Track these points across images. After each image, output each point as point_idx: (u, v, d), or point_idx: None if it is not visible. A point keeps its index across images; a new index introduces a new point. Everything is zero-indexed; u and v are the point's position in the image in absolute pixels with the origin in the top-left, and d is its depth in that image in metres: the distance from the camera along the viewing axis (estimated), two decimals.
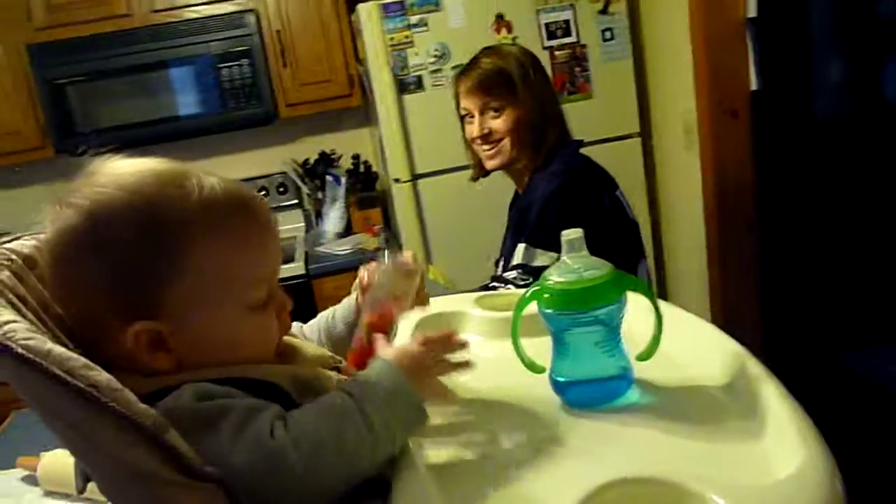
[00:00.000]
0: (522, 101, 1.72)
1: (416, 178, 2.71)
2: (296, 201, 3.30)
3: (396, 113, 2.64)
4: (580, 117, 2.72)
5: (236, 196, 0.71)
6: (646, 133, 2.83)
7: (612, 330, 0.78)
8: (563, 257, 0.79)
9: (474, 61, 1.78)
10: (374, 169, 3.21)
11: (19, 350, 0.57)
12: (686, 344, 0.83)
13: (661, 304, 0.82)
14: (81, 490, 0.70)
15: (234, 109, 2.93)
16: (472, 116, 1.77)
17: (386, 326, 0.87)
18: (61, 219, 0.69)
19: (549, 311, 0.78)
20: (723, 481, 0.58)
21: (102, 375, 0.59)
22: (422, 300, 0.95)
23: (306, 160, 3.23)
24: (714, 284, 2.61)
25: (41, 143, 2.84)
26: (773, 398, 0.69)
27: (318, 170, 3.20)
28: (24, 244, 0.76)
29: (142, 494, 0.59)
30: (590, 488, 0.57)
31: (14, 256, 0.74)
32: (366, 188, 3.13)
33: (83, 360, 0.59)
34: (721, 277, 2.58)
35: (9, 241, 0.76)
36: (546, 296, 0.77)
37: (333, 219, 3.13)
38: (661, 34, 2.70)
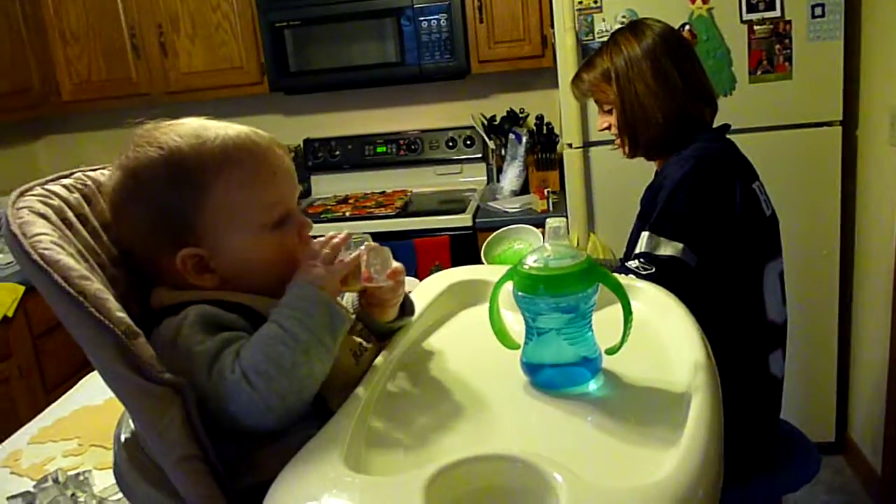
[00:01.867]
0: (616, 101, 1.73)
1: (587, 145, 2.70)
2: (480, 155, 3.41)
3: None
4: (774, 98, 2.57)
5: (244, 140, 0.86)
6: (849, 122, 2.59)
7: (577, 319, 0.80)
8: (545, 243, 0.82)
9: (589, 61, 1.82)
10: (557, 132, 3.22)
11: (35, 256, 0.72)
12: (664, 346, 0.83)
13: (670, 301, 0.82)
14: None
15: (429, 62, 3.07)
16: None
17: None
18: (113, 178, 0.88)
19: (519, 293, 0.81)
20: (583, 476, 0.60)
21: (94, 286, 0.73)
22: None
23: (493, 116, 3.31)
24: None
25: (259, 80, 3.18)
26: (698, 411, 0.68)
27: (503, 127, 3.28)
28: (103, 173, 0.93)
29: (116, 389, 0.73)
30: (448, 462, 0.62)
31: (89, 182, 0.90)
32: (546, 150, 3.16)
33: (84, 271, 0.74)
34: None
35: (91, 170, 0.93)
36: (517, 278, 0.81)
37: (511, 176, 3.20)
38: (881, 14, 2.43)
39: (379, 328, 0.94)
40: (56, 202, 0.83)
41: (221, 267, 0.85)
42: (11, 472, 1.38)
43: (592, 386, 0.81)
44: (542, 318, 0.81)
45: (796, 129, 2.58)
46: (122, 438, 0.80)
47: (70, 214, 0.84)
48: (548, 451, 0.65)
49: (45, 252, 0.73)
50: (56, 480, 1.30)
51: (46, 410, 1.63)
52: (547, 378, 0.82)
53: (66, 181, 0.88)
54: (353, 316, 0.92)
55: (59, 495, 1.25)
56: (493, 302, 0.85)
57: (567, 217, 2.75)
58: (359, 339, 0.89)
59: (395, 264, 0.89)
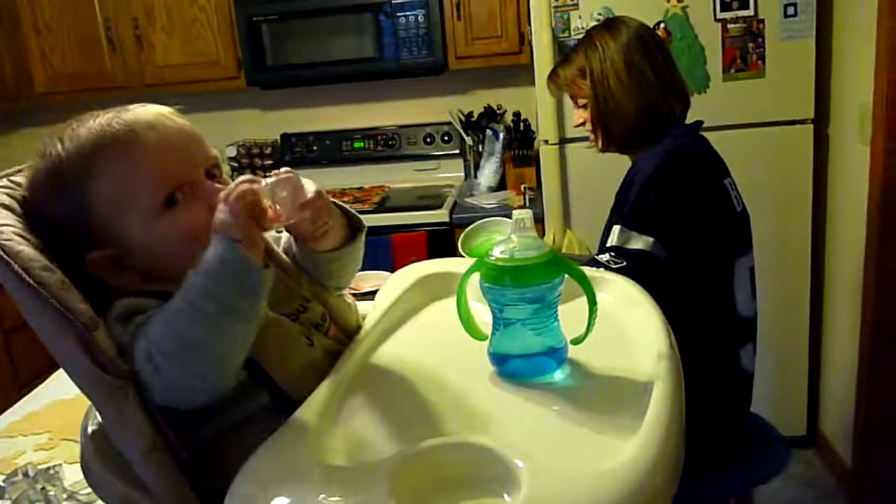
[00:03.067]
0: (589, 95, 1.77)
1: (563, 141, 2.71)
2: (457, 151, 3.41)
3: None
4: (747, 97, 2.60)
5: (109, 128, 0.79)
6: (820, 120, 2.62)
7: (542, 309, 0.81)
8: (511, 235, 0.83)
9: (564, 58, 1.86)
10: (534, 129, 3.24)
11: None
12: (629, 336, 0.84)
13: (636, 293, 0.83)
14: None
15: (406, 57, 3.07)
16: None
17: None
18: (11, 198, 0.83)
19: (485, 285, 0.82)
20: (544, 462, 0.62)
21: (55, 277, 0.73)
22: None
23: (471, 112, 3.32)
24: (868, 286, 2.40)
25: (236, 74, 3.16)
26: (660, 400, 0.70)
27: (481, 123, 3.29)
28: None
29: (77, 380, 0.73)
30: (413, 449, 0.63)
31: None
32: (522, 146, 3.17)
33: (45, 262, 0.73)
34: (876, 283, 2.37)
35: None
36: (483, 270, 0.82)
37: (488, 173, 3.21)
38: (852, 14, 2.47)
39: (322, 261, 0.88)
40: (19, 192, 0.83)
41: (135, 262, 0.81)
42: None
43: (558, 375, 0.82)
44: (508, 309, 0.82)
45: (769, 126, 2.61)
46: (90, 430, 0.80)
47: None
48: (512, 439, 0.66)
49: (6, 243, 0.73)
50: (26, 475, 1.29)
51: (18, 404, 1.62)
52: (514, 368, 0.83)
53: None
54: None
55: (28, 489, 1.25)
56: (460, 293, 0.86)
57: (543, 211, 2.77)
58: (307, 323, 0.86)
59: (309, 193, 0.76)
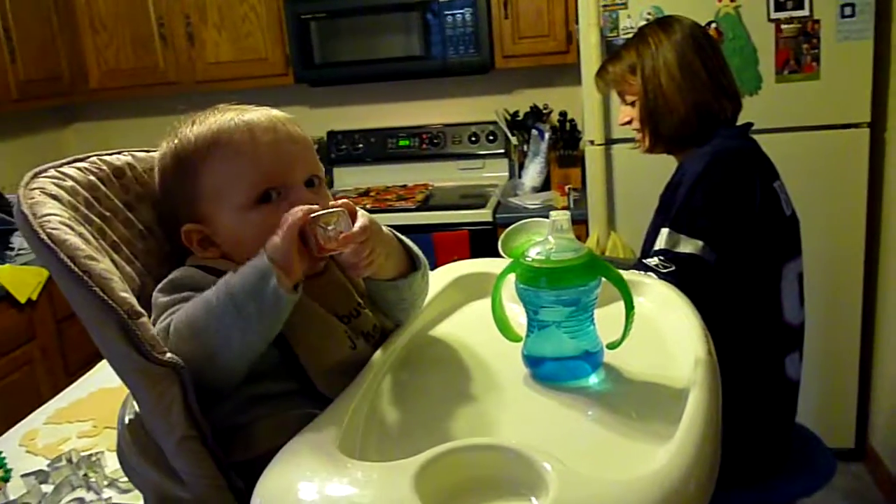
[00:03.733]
0: (639, 92, 1.73)
1: (610, 142, 2.68)
2: (502, 151, 3.40)
3: None
4: (800, 99, 2.53)
5: (230, 124, 0.87)
6: (877, 124, 2.54)
7: (578, 312, 0.80)
8: (549, 236, 0.82)
9: (613, 54, 1.82)
10: (580, 129, 3.21)
11: (42, 236, 0.74)
12: (667, 341, 0.83)
13: (675, 297, 0.81)
14: None
15: (453, 56, 3.07)
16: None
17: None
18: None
19: (521, 286, 0.81)
20: (574, 467, 0.60)
21: (99, 266, 0.74)
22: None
23: (516, 112, 3.31)
24: None
25: (284, 71, 3.20)
26: (695, 406, 0.68)
27: (526, 122, 3.27)
28: (119, 158, 0.95)
29: (118, 368, 0.74)
30: (439, 450, 0.62)
31: (104, 166, 0.92)
32: (568, 146, 3.14)
33: (91, 251, 0.75)
34: None
35: (106, 154, 0.95)
36: (519, 271, 0.81)
37: (532, 173, 3.19)
38: None
39: (375, 288, 0.91)
40: (69, 183, 0.84)
41: (222, 242, 0.89)
42: (27, 451, 1.41)
43: (593, 380, 0.81)
44: (543, 311, 0.80)
45: (823, 130, 2.54)
46: (126, 419, 0.81)
47: (82, 195, 0.86)
48: (543, 443, 0.65)
49: (53, 232, 0.74)
50: (69, 460, 1.32)
51: (64, 392, 1.66)
52: (548, 371, 0.82)
53: (81, 164, 0.90)
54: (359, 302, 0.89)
55: (71, 475, 1.27)
56: (495, 294, 0.85)
57: (587, 213, 2.74)
58: (356, 329, 0.88)
59: (355, 227, 0.79)
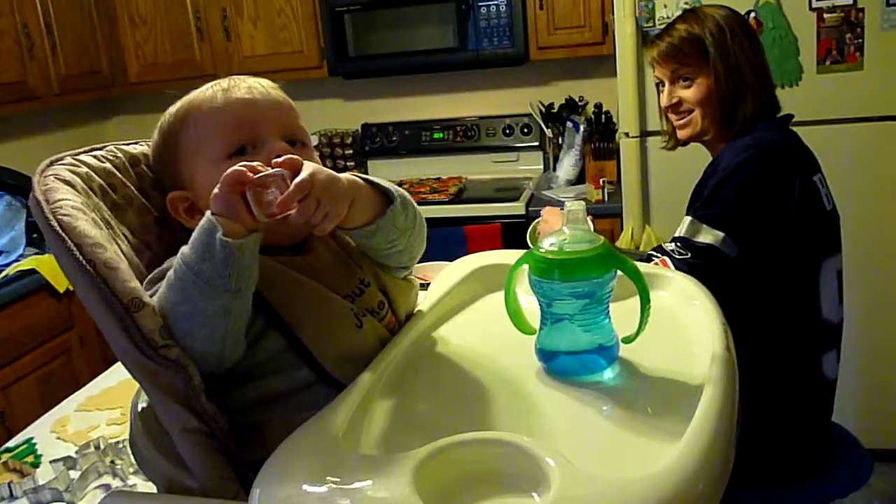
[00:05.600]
0: (715, 70, 1.62)
1: (645, 134, 2.64)
2: (537, 143, 3.37)
3: (634, 65, 2.57)
4: (843, 90, 2.46)
5: (194, 98, 0.89)
6: None
7: (592, 305, 0.78)
8: (563, 227, 0.80)
9: (668, 27, 1.70)
10: (615, 121, 3.16)
11: (53, 222, 0.74)
12: (685, 337, 0.80)
13: (695, 291, 0.79)
14: None
15: (488, 48, 3.05)
16: (664, 85, 1.71)
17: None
18: None
19: (534, 278, 0.79)
20: (579, 463, 0.59)
21: (106, 254, 0.74)
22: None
23: (551, 104, 3.27)
24: None
25: (319, 64, 3.21)
26: (708, 404, 0.66)
27: (561, 115, 3.23)
28: (135, 147, 0.96)
29: (121, 359, 0.74)
30: (440, 444, 0.61)
31: (120, 154, 0.93)
32: (603, 139, 3.10)
33: (99, 239, 0.75)
34: None
35: (124, 144, 0.95)
36: (532, 262, 0.79)
37: (567, 165, 3.16)
38: None
39: (360, 238, 0.85)
40: (83, 170, 0.85)
41: (204, 206, 0.79)
42: (58, 438, 1.43)
43: (608, 374, 0.79)
44: (557, 304, 0.79)
45: (866, 122, 2.47)
46: (139, 408, 0.82)
47: (97, 182, 0.86)
48: (550, 438, 0.64)
49: (64, 218, 0.75)
50: (97, 447, 1.34)
51: (96, 380, 1.68)
52: (562, 365, 0.80)
53: (97, 152, 0.91)
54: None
55: (98, 461, 1.29)
56: (508, 285, 0.84)
57: (622, 206, 2.70)
58: (361, 307, 0.85)
59: (291, 186, 0.70)
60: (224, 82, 0.89)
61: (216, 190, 0.71)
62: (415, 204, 0.88)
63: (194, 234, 0.72)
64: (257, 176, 0.71)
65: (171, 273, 0.74)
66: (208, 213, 0.72)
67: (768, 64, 1.71)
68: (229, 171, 0.71)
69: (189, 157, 0.87)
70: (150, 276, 0.82)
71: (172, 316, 0.73)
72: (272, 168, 0.71)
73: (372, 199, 0.82)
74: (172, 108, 0.91)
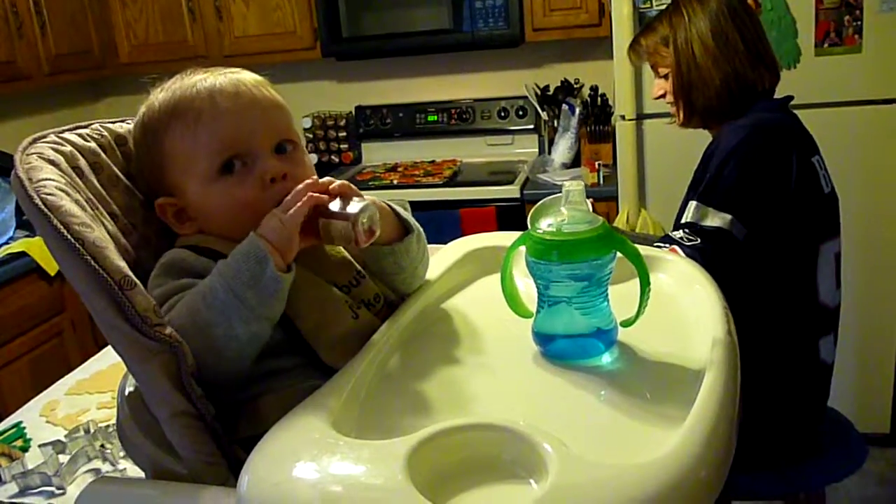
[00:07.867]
0: (672, 64, 1.68)
1: (641, 117, 2.62)
2: (532, 126, 3.34)
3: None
4: (841, 73, 2.44)
5: (190, 90, 0.85)
6: None
7: (591, 288, 0.76)
8: (561, 207, 0.78)
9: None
10: (611, 103, 3.14)
11: (37, 200, 0.72)
12: (686, 321, 0.79)
13: (696, 274, 0.78)
14: None
15: (483, 29, 3.01)
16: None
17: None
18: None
19: (531, 259, 0.78)
20: (577, 449, 0.57)
21: (93, 234, 0.72)
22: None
23: (547, 86, 3.24)
24: None
25: (312, 45, 3.16)
26: (709, 389, 0.64)
27: (557, 97, 3.20)
28: (121, 125, 0.93)
29: (109, 339, 0.72)
30: (434, 430, 0.59)
31: (105, 133, 0.90)
32: (599, 122, 3.08)
33: (86, 219, 0.73)
34: None
35: (109, 122, 0.93)
36: (529, 244, 0.77)
37: (562, 148, 3.13)
38: None
39: (372, 259, 0.87)
40: (68, 149, 0.83)
41: (197, 217, 0.86)
42: (47, 422, 1.41)
43: (606, 359, 0.77)
44: (554, 286, 0.77)
45: (864, 105, 2.46)
46: (126, 392, 0.80)
47: (82, 162, 0.84)
48: (547, 423, 0.62)
49: (48, 197, 0.73)
50: (87, 431, 1.32)
51: (86, 363, 1.67)
52: (559, 349, 0.78)
53: (82, 131, 0.88)
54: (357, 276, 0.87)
55: (87, 446, 1.27)
56: (505, 267, 0.82)
57: (617, 189, 2.68)
58: (357, 298, 0.85)
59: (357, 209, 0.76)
60: (207, 80, 0.85)
61: (280, 223, 0.74)
62: (425, 240, 0.91)
63: (238, 257, 0.73)
64: (358, 208, 0.75)
65: (207, 291, 0.73)
66: (256, 238, 0.73)
67: (767, 43, 1.69)
68: (298, 209, 0.74)
69: (176, 168, 0.85)
70: (156, 271, 0.81)
71: (202, 334, 0.72)
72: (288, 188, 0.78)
73: (393, 224, 0.87)
74: (154, 102, 0.87)
